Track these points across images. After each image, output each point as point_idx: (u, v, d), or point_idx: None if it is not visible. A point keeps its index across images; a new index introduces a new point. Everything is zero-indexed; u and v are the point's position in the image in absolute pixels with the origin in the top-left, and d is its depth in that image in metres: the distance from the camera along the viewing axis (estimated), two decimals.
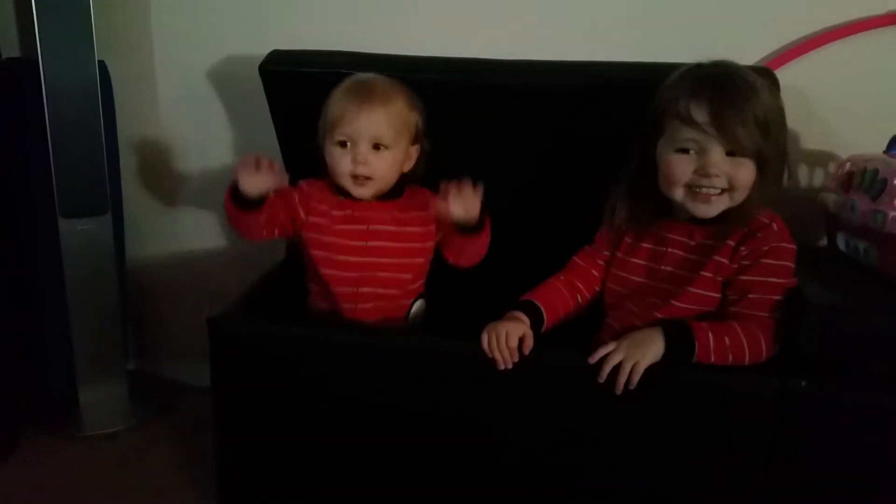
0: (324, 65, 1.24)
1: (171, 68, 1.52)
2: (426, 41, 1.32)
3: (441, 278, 1.24)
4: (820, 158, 1.31)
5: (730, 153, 1.00)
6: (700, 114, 0.99)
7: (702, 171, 1.00)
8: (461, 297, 1.21)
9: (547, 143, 1.25)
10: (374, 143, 1.13)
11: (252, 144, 1.51)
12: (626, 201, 1.10)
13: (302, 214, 1.18)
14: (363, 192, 1.16)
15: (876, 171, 1.11)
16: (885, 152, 1.17)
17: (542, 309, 1.09)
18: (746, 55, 1.25)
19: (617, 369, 0.96)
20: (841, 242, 1.20)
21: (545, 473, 1.06)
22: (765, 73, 1.12)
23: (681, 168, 1.02)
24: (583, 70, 1.21)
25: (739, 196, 1.02)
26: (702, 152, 1.01)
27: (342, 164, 1.13)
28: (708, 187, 1.01)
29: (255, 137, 1.46)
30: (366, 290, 1.17)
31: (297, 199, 1.17)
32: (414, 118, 1.17)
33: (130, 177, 1.57)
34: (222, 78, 1.49)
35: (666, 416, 1.00)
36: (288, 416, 1.11)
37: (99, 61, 1.37)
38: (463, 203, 1.07)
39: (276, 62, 1.25)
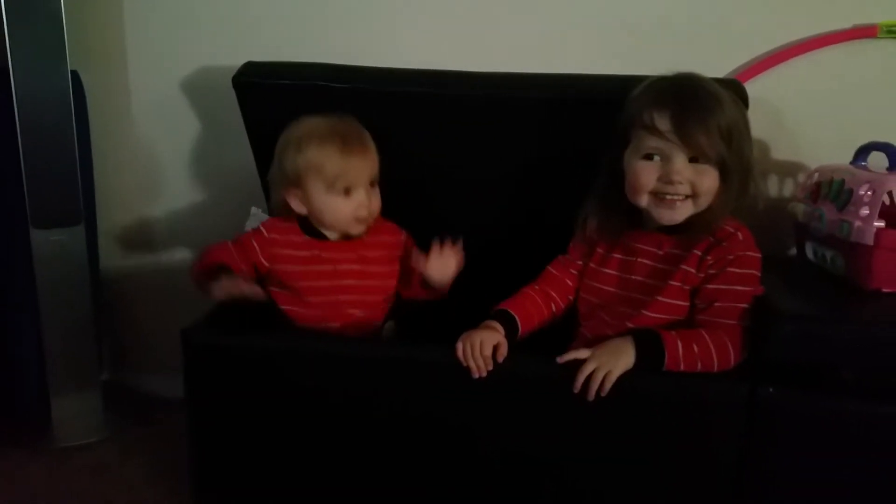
0: (298, 77, 1.24)
1: (146, 79, 1.51)
2: (402, 53, 1.33)
3: None
4: (790, 169, 1.34)
5: (693, 160, 1.02)
6: (663, 122, 1.01)
7: (665, 178, 1.02)
8: (437, 308, 1.22)
9: (522, 155, 1.26)
10: (370, 183, 1.17)
11: (226, 156, 1.51)
12: (596, 213, 1.12)
13: (265, 263, 1.19)
14: (362, 229, 1.19)
15: (842, 182, 1.13)
16: (851, 163, 1.20)
17: (517, 318, 1.10)
18: (716, 68, 1.27)
19: (590, 377, 0.98)
20: (809, 251, 1.22)
21: (519, 479, 1.06)
22: (733, 86, 1.14)
23: (645, 175, 1.04)
24: (558, 83, 1.22)
25: (703, 202, 1.03)
26: (665, 160, 1.02)
27: (346, 210, 1.16)
28: (672, 194, 1.03)
29: (230, 149, 1.46)
30: (334, 324, 1.19)
31: (258, 250, 1.18)
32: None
33: (104, 187, 1.56)
34: (197, 89, 1.49)
35: (637, 422, 1.01)
36: (262, 426, 1.11)
37: (72, 71, 1.36)
38: (441, 268, 1.11)
39: (250, 74, 1.25)
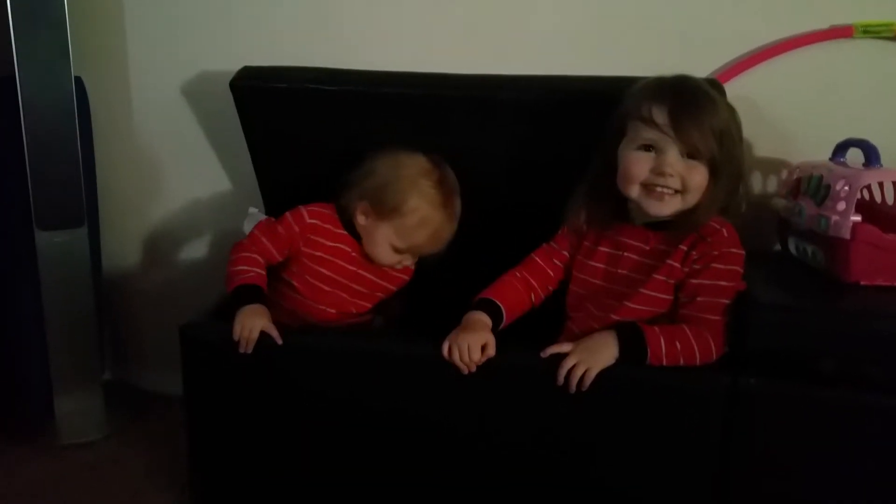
0: (293, 80, 1.27)
1: (146, 83, 1.54)
2: (395, 57, 1.36)
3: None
4: (772, 166, 1.36)
5: (685, 156, 1.04)
6: (660, 116, 1.04)
7: (658, 170, 1.04)
8: (424, 302, 1.26)
9: (508, 154, 1.28)
10: None
11: (225, 157, 1.54)
12: (585, 203, 1.15)
13: (301, 246, 1.22)
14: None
15: (821, 178, 1.16)
16: (830, 159, 1.23)
17: (502, 308, 1.12)
18: (696, 69, 1.28)
19: (571, 371, 1.00)
20: (791, 246, 1.25)
21: (504, 466, 1.09)
22: (713, 86, 1.16)
23: (638, 165, 1.06)
24: (543, 84, 1.24)
25: (691, 199, 1.05)
26: (659, 152, 1.05)
27: (388, 257, 1.21)
28: (663, 186, 1.05)
29: (228, 151, 1.50)
30: (331, 310, 1.23)
31: (299, 234, 1.21)
32: None
33: (106, 189, 1.59)
34: (196, 93, 1.52)
35: (620, 414, 1.03)
36: (259, 420, 1.14)
37: (75, 77, 1.40)
38: None
39: (247, 78, 1.28)
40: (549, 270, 1.19)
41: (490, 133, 1.26)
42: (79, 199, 1.45)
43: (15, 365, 1.53)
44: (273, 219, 1.23)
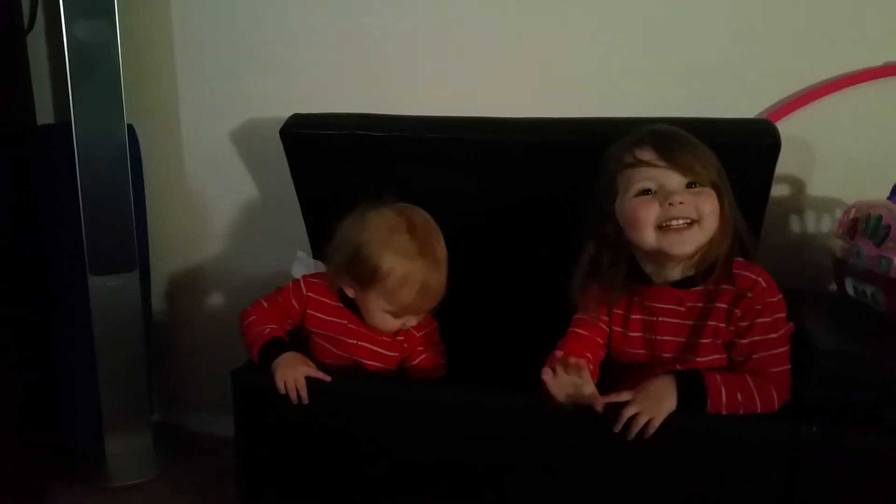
0: (339, 127, 1.29)
1: (197, 131, 1.58)
2: (442, 102, 1.37)
3: None
4: (826, 205, 1.33)
5: (688, 186, 1.01)
6: (647, 154, 1.02)
7: (666, 203, 1.00)
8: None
9: (563, 199, 1.24)
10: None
11: (273, 202, 1.56)
12: (594, 280, 1.09)
13: (299, 310, 1.21)
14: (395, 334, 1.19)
15: (880, 218, 1.13)
16: (888, 198, 1.20)
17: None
18: (748, 108, 1.29)
19: (632, 420, 0.98)
20: (849, 287, 1.21)
21: None
22: (764, 126, 1.15)
23: (645, 208, 1.02)
24: (593, 127, 1.23)
25: (709, 226, 1.01)
26: (661, 187, 1.02)
27: (389, 325, 1.15)
28: (677, 218, 1.01)
29: (276, 196, 1.51)
30: None
31: (297, 308, 1.21)
32: None
33: (157, 234, 1.62)
34: (246, 139, 1.55)
35: (680, 462, 1.01)
36: (308, 465, 1.14)
37: (128, 125, 1.43)
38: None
39: (297, 125, 1.30)
40: (597, 338, 1.12)
41: (542, 176, 1.25)
42: (130, 245, 1.48)
43: (66, 407, 1.56)
44: (280, 287, 1.23)
